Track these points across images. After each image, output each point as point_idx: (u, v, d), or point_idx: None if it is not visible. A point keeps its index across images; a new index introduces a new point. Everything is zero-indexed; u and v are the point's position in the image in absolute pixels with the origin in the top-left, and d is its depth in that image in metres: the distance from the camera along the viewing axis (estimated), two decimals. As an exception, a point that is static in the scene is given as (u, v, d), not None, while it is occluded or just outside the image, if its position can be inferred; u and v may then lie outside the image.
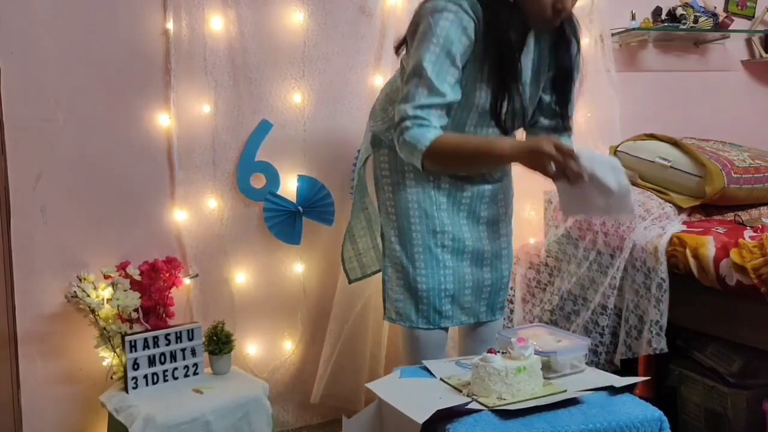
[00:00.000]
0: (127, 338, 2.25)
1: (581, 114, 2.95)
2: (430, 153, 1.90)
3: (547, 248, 2.76)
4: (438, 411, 1.60)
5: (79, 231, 2.43)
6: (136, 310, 2.34)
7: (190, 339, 2.37)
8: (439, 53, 1.89)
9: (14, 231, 2.35)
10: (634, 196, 1.92)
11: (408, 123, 1.91)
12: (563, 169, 1.80)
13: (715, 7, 3.35)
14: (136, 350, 2.26)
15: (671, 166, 2.64)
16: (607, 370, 2.13)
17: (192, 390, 2.29)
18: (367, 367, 2.70)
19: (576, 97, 2.19)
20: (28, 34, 2.33)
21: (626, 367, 2.44)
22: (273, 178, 2.65)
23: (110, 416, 2.25)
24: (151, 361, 2.30)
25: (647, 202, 2.56)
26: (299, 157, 2.68)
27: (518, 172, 2.20)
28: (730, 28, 3.32)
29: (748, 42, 3.58)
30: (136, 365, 2.27)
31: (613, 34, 3.12)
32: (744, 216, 2.59)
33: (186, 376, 2.37)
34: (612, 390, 1.77)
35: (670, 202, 2.60)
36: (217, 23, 2.55)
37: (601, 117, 3.00)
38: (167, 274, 2.43)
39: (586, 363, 1.90)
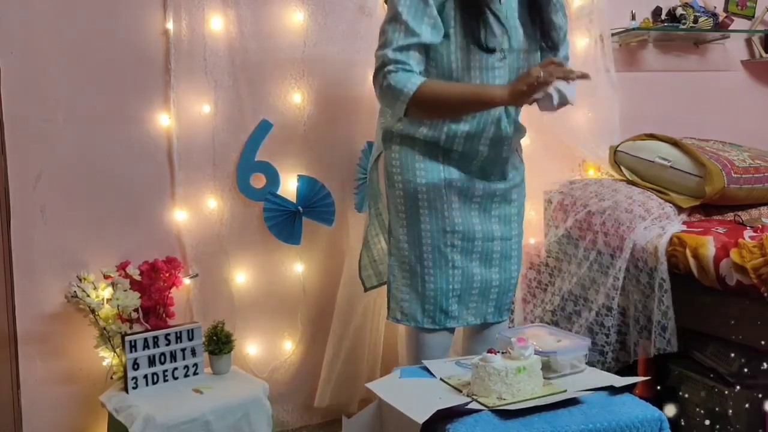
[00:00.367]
0: (127, 338, 2.25)
1: (581, 114, 2.95)
2: (416, 99, 1.90)
3: (548, 248, 2.76)
4: (438, 411, 1.60)
5: (78, 231, 2.43)
6: (136, 310, 2.34)
7: (190, 339, 2.37)
8: None
9: (14, 231, 2.35)
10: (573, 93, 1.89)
11: (391, 67, 1.92)
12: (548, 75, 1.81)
13: (715, 7, 3.34)
14: (136, 350, 2.27)
15: (671, 166, 2.64)
16: (614, 371, 2.12)
17: (192, 390, 2.29)
18: (367, 369, 2.70)
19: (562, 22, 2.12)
20: (28, 34, 2.33)
21: (626, 367, 2.44)
22: (273, 178, 2.65)
23: (110, 416, 2.26)
24: (151, 361, 2.30)
25: (647, 202, 2.56)
26: (299, 157, 2.68)
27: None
28: (730, 28, 3.32)
29: (748, 42, 3.58)
30: (136, 365, 2.27)
31: (613, 34, 3.11)
32: (744, 216, 2.59)
33: (186, 376, 2.37)
34: (612, 390, 1.77)
35: (670, 202, 2.60)
36: (217, 23, 2.55)
37: (601, 117, 2.99)
38: (167, 274, 2.43)
39: (593, 364, 1.89)
